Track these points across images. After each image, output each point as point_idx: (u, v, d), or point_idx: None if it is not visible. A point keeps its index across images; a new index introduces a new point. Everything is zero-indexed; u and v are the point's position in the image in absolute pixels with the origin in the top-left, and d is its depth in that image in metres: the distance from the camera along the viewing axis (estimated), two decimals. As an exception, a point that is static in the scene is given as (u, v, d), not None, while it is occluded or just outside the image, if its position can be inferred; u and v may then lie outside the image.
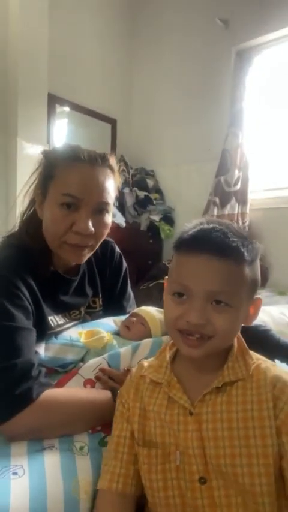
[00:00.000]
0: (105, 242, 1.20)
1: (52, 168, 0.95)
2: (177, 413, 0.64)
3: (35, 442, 0.78)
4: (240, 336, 0.68)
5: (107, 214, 0.99)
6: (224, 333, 0.60)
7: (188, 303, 0.60)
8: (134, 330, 1.09)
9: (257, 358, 0.67)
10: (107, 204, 0.97)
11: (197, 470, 0.60)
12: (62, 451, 0.76)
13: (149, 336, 1.07)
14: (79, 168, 0.93)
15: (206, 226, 0.62)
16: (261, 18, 2.59)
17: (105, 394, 0.87)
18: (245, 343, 0.68)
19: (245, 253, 0.60)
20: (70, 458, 0.74)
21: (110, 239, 1.24)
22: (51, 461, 0.73)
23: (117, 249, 1.26)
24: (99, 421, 0.83)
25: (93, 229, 0.94)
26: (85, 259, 1.02)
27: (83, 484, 0.69)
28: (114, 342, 1.03)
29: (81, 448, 0.78)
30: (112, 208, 1.00)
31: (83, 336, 1.02)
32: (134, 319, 1.11)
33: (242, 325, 0.66)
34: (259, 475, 0.57)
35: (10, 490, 0.65)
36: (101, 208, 0.96)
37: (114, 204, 1.02)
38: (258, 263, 0.64)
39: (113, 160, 0.99)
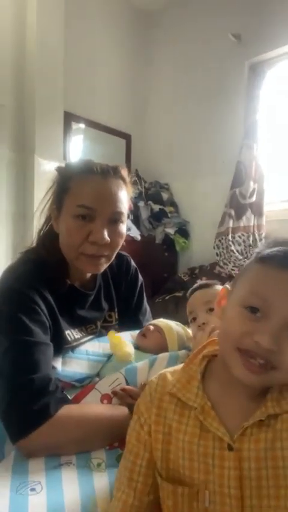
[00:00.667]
0: (121, 256, 1.21)
1: (66, 182, 0.97)
2: (212, 446, 0.56)
3: (53, 458, 0.78)
4: None
5: (121, 224, 1.00)
6: None
7: (262, 322, 0.52)
8: (150, 338, 1.08)
9: None
10: (121, 213, 0.98)
11: None
12: (79, 467, 0.76)
13: (165, 346, 1.07)
14: (92, 180, 0.95)
15: None
16: (273, 32, 2.61)
17: (123, 410, 0.86)
18: None
19: None
20: (87, 475, 0.73)
21: (125, 253, 1.25)
22: (69, 478, 0.72)
23: (133, 263, 1.27)
24: (116, 437, 0.82)
25: (108, 238, 0.95)
26: (102, 269, 1.03)
27: (101, 502, 0.68)
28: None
29: (99, 465, 0.77)
30: (126, 218, 1.02)
31: (117, 339, 1.02)
32: (152, 327, 1.11)
33: None
34: None
35: (28, 506, 0.65)
36: (115, 218, 0.98)
37: (129, 217, 1.03)
38: None
39: (124, 172, 1.01)
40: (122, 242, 1.02)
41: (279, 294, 0.51)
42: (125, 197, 0.99)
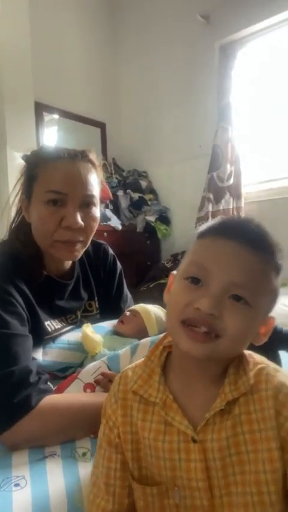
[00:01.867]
0: (98, 244, 1.20)
1: (34, 169, 0.95)
2: (176, 441, 0.54)
3: (37, 450, 0.77)
4: None
5: (94, 208, 0.98)
6: (235, 336, 0.50)
7: (203, 289, 0.51)
8: (128, 323, 1.09)
9: (256, 362, 0.57)
10: (92, 196, 0.96)
11: (201, 505, 0.52)
12: (64, 458, 0.75)
13: (145, 330, 1.06)
14: (60, 165, 0.93)
15: (242, 217, 0.57)
16: (242, 12, 2.59)
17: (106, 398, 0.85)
18: None
19: (277, 257, 0.53)
20: (73, 466, 0.72)
21: (103, 242, 1.23)
22: (54, 470, 0.71)
23: (111, 251, 1.25)
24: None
25: (82, 222, 0.94)
26: (79, 255, 1.01)
27: (87, 494, 0.67)
28: (106, 352, 1.00)
29: (84, 454, 0.76)
30: (98, 202, 1.00)
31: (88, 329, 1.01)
32: (128, 313, 1.11)
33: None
34: (271, 504, 0.50)
35: (12, 503, 0.63)
36: (87, 202, 0.96)
37: (108, 207, 1.02)
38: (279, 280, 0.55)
39: (93, 156, 1.00)
40: (96, 226, 1.00)
41: (216, 260, 0.52)
42: (95, 180, 0.98)
